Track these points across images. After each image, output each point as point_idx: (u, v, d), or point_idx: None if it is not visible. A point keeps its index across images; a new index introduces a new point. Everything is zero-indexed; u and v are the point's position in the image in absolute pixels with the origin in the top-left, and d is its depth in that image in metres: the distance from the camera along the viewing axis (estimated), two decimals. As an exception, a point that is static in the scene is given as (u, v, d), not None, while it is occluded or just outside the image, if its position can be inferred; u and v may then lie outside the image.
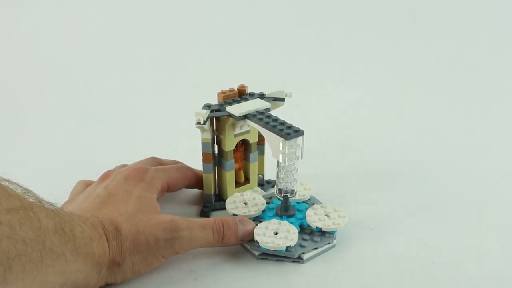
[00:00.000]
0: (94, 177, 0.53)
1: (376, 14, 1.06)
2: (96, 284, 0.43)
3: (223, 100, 0.54)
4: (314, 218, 0.50)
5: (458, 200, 0.58)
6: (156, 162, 0.57)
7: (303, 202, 0.54)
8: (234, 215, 0.52)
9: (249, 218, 0.51)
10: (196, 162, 0.56)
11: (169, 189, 0.54)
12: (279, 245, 0.46)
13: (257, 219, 0.52)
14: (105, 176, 0.52)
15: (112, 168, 0.54)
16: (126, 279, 0.45)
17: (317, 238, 0.49)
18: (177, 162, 0.59)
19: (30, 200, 0.37)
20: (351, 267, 0.48)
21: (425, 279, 0.46)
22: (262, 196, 0.55)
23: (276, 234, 0.48)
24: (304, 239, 0.49)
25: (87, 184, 0.53)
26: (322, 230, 0.49)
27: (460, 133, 0.75)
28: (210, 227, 0.47)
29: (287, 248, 0.47)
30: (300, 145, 0.47)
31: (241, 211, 0.52)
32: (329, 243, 0.49)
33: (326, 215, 0.50)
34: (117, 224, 0.44)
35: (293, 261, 0.48)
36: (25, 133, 0.75)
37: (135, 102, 0.85)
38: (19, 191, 0.37)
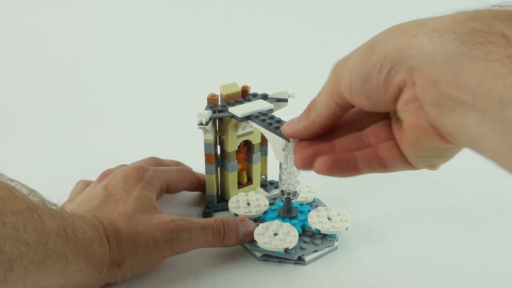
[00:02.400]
0: (94, 177, 0.53)
1: (378, 14, 1.06)
2: (96, 284, 0.43)
3: (226, 100, 0.54)
4: (315, 220, 0.50)
5: (458, 200, 0.58)
6: (156, 162, 0.57)
7: (306, 204, 0.54)
8: (235, 214, 0.52)
9: (250, 219, 0.51)
10: (197, 163, 0.56)
11: (168, 190, 0.54)
12: (277, 246, 0.47)
13: (259, 220, 0.52)
14: (105, 175, 0.52)
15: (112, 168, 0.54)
16: (126, 279, 0.45)
17: (317, 241, 0.49)
18: (177, 163, 0.59)
19: (35, 201, 0.37)
20: (351, 267, 0.48)
21: (425, 279, 0.46)
22: (266, 197, 0.55)
23: (276, 235, 0.48)
24: (304, 242, 0.49)
25: (87, 184, 0.53)
26: (321, 232, 0.49)
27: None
28: (210, 228, 0.47)
29: (286, 250, 0.47)
30: (303, 146, 0.47)
31: (243, 211, 0.52)
32: (329, 246, 0.49)
33: (328, 218, 0.50)
34: (116, 224, 0.44)
35: (295, 263, 0.48)
36: (25, 133, 0.75)
37: (136, 102, 0.85)
38: (24, 192, 0.37)
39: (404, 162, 0.34)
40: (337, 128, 0.37)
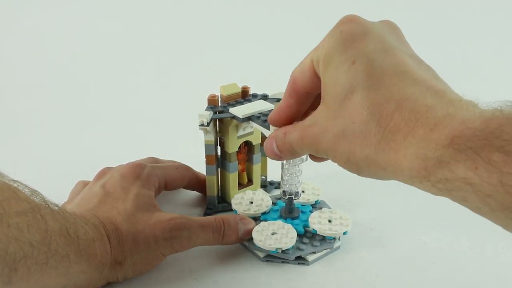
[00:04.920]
0: (94, 177, 0.53)
1: (378, 14, 1.06)
2: (98, 283, 0.43)
3: (226, 101, 0.54)
4: (315, 220, 0.50)
5: (457, 200, 0.58)
6: (154, 162, 0.56)
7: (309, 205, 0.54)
8: (235, 211, 0.52)
9: (250, 217, 0.51)
10: (198, 164, 0.56)
11: (166, 187, 0.54)
12: (271, 245, 0.47)
13: (260, 219, 0.52)
14: (102, 173, 0.52)
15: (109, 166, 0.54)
16: (128, 277, 0.45)
17: (316, 243, 0.49)
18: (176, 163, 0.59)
19: (37, 201, 0.37)
20: (351, 267, 0.48)
21: (425, 279, 0.47)
22: (270, 197, 0.55)
23: (274, 234, 0.48)
24: (303, 242, 0.49)
25: (86, 184, 0.53)
26: (318, 233, 0.49)
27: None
28: (210, 226, 0.47)
29: (282, 250, 0.47)
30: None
31: (242, 208, 0.52)
32: (327, 248, 0.49)
33: (328, 220, 0.50)
34: (117, 223, 0.44)
35: (298, 263, 0.48)
36: (25, 133, 0.75)
37: (136, 103, 0.85)
38: (27, 192, 0.37)
39: None
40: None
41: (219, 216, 0.48)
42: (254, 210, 0.52)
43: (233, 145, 0.53)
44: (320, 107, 0.36)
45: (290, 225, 0.49)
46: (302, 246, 0.48)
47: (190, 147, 0.60)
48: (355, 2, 1.05)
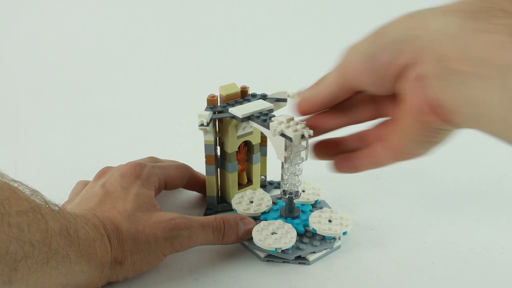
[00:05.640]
0: (95, 177, 0.53)
1: (378, 14, 1.06)
2: (98, 283, 0.43)
3: (225, 101, 0.54)
4: (315, 219, 0.50)
5: (458, 200, 0.59)
6: (154, 161, 0.57)
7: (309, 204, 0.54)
8: (235, 210, 0.52)
9: (249, 217, 0.51)
10: (197, 164, 0.56)
11: (166, 187, 0.54)
12: (270, 245, 0.47)
13: (260, 219, 0.52)
14: (102, 173, 0.52)
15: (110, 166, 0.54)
16: (128, 277, 0.45)
17: (316, 242, 0.49)
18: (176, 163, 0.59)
19: (37, 201, 0.37)
20: (351, 267, 0.48)
21: (425, 279, 0.47)
22: (270, 197, 0.55)
23: (273, 234, 0.48)
24: (303, 242, 0.49)
25: (86, 184, 0.53)
26: (317, 233, 0.49)
27: (460, 133, 0.75)
28: (210, 226, 0.47)
29: (283, 250, 0.47)
30: (305, 146, 0.47)
31: (242, 208, 0.52)
32: (327, 248, 0.49)
33: (329, 220, 0.50)
34: (117, 223, 0.44)
35: (299, 263, 0.48)
36: (25, 133, 0.75)
37: (135, 103, 0.85)
38: (27, 192, 0.37)
39: (395, 157, 0.38)
40: (338, 113, 0.42)
41: (219, 215, 0.48)
42: (254, 209, 0.52)
43: (232, 145, 0.53)
44: None
45: (290, 225, 0.49)
46: (302, 246, 0.48)
47: (190, 147, 0.60)
48: (355, 2, 1.05)
